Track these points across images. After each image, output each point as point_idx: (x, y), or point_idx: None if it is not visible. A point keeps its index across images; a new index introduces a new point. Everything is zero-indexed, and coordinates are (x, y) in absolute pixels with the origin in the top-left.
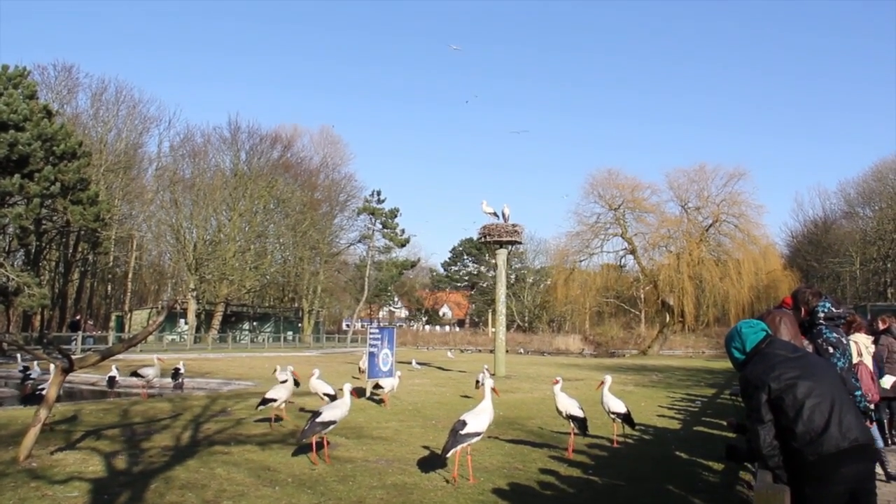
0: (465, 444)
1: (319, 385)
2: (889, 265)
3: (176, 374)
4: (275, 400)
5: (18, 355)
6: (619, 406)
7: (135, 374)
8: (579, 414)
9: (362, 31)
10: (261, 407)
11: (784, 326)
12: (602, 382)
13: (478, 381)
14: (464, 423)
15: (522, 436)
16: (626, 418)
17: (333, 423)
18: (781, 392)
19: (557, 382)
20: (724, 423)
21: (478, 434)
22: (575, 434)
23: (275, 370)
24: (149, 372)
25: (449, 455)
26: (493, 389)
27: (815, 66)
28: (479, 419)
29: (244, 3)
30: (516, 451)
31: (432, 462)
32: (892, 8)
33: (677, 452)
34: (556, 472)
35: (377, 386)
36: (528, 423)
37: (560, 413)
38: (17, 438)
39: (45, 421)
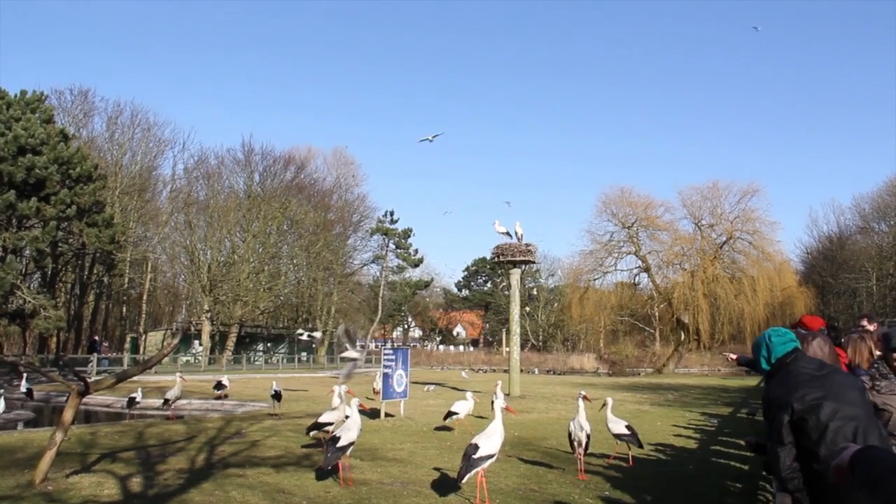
0: (479, 468)
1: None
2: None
3: (219, 385)
4: (330, 424)
5: (24, 377)
6: (619, 427)
7: (166, 401)
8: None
9: (374, 52)
10: (312, 433)
11: (812, 350)
12: (604, 404)
13: (493, 402)
14: (476, 447)
15: (538, 457)
16: (632, 438)
17: (352, 444)
18: (804, 413)
19: (588, 398)
20: (742, 443)
21: (491, 456)
22: (582, 455)
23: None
24: (173, 393)
25: (465, 481)
26: (507, 408)
27: (827, 80)
28: (491, 441)
29: (258, 27)
30: (532, 473)
31: (447, 484)
32: None
33: (694, 472)
34: (572, 494)
35: (450, 414)
36: (543, 443)
37: (578, 429)
38: (33, 461)
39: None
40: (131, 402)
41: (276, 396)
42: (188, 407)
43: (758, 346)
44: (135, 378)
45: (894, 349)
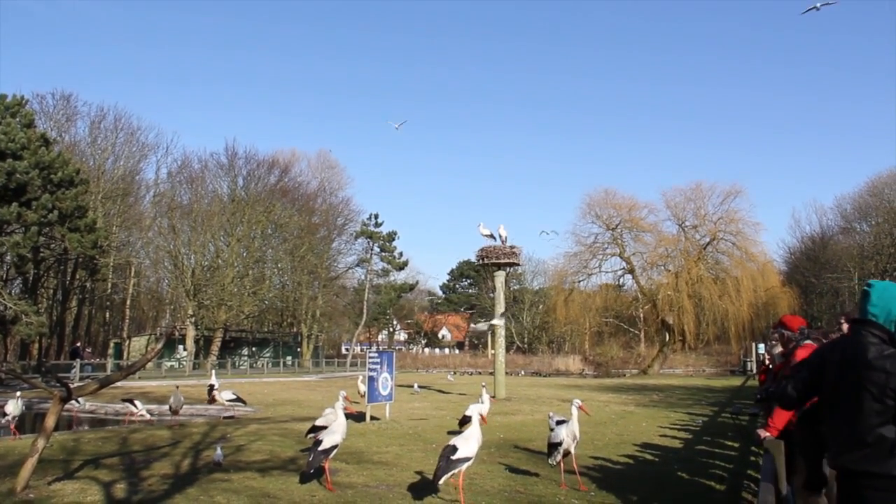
0: (457, 470)
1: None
2: (887, 280)
3: (210, 390)
4: (327, 427)
5: None
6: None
7: (171, 408)
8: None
9: (359, 55)
10: (310, 435)
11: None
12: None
13: (481, 400)
14: (455, 449)
15: (523, 458)
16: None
17: (335, 447)
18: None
19: (584, 409)
20: (728, 442)
21: (468, 459)
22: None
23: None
24: (175, 401)
25: (441, 482)
26: (482, 418)
27: (808, 81)
28: (468, 444)
29: (241, 30)
30: (517, 475)
31: (433, 487)
32: (887, 23)
33: (679, 472)
34: (557, 496)
35: (466, 419)
36: (528, 445)
37: (570, 438)
38: (15, 469)
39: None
40: (129, 401)
41: (240, 400)
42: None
43: (886, 291)
44: (118, 384)
45: None
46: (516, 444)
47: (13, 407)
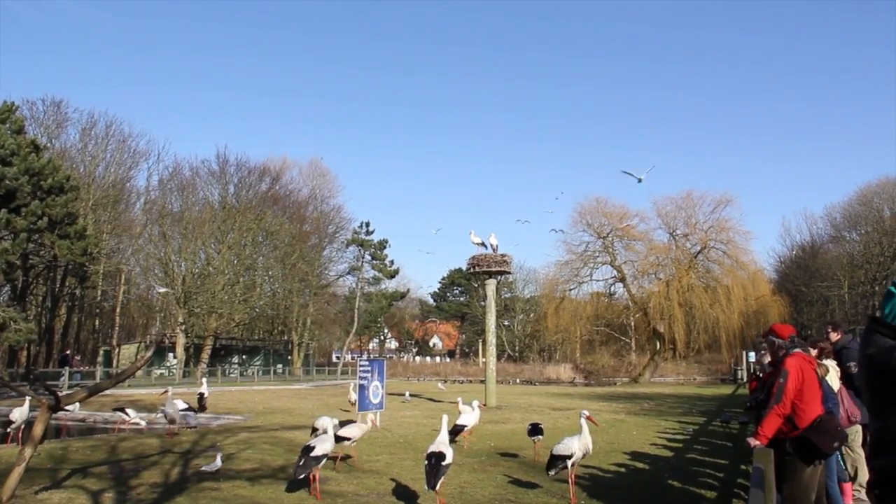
0: (445, 476)
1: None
2: (877, 288)
3: (201, 398)
4: (348, 439)
5: None
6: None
7: (166, 417)
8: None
9: (351, 63)
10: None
11: (794, 371)
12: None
13: (464, 409)
14: (443, 455)
15: (514, 467)
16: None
17: (326, 456)
18: None
19: (592, 420)
20: (722, 432)
21: (451, 464)
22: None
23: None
24: (170, 409)
25: (438, 487)
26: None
27: (799, 90)
28: (450, 450)
29: (234, 37)
30: (508, 483)
31: (424, 496)
32: (878, 33)
33: (670, 481)
34: None
35: (457, 429)
36: (520, 453)
37: (580, 451)
38: (1, 479)
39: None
40: (121, 410)
41: (192, 409)
42: (161, 420)
43: None
44: (108, 392)
45: (846, 364)
46: (507, 453)
47: (18, 414)
